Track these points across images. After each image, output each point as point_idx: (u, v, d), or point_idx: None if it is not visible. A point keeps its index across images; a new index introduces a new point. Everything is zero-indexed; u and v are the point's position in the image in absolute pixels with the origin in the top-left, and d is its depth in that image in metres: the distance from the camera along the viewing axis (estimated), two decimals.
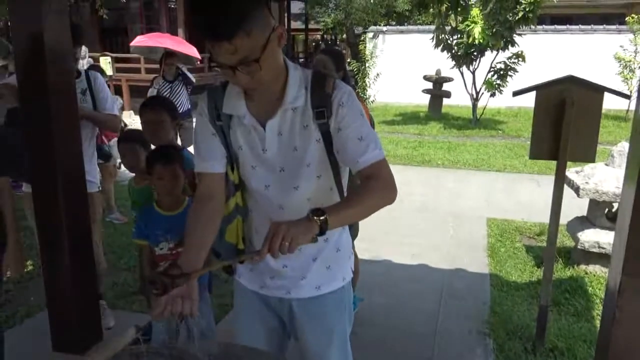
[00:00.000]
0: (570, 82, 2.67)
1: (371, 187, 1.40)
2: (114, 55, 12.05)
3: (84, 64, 7.95)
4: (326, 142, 1.46)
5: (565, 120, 2.62)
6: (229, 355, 1.50)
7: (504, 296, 3.68)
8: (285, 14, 18.60)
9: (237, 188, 1.59)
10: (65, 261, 2.37)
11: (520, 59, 10.14)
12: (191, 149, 1.84)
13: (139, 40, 7.57)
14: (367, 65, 13.26)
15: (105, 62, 10.90)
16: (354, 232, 3.19)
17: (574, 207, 4.48)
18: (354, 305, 3.31)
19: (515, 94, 2.79)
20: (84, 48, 7.79)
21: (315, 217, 1.26)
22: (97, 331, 2.63)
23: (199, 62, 8.35)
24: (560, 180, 2.75)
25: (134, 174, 2.82)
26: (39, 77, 2.19)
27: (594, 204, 3.95)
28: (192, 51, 7.14)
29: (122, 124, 5.16)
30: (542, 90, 2.71)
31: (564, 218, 3.07)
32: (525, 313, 3.43)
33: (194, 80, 6.31)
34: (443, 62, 11.12)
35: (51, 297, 2.54)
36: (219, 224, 1.56)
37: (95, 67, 7.19)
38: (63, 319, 2.49)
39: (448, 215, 5.46)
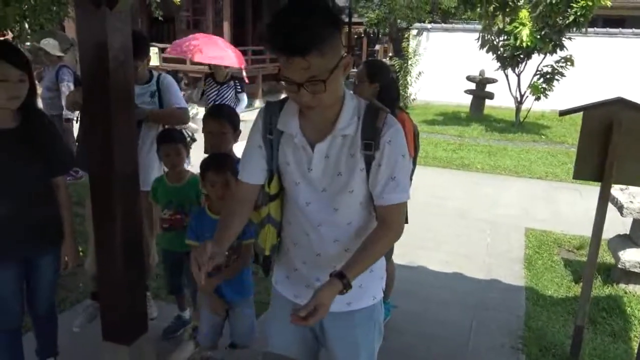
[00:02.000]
0: (620, 104, 2.63)
1: (381, 237, 1.56)
2: (161, 45, 12.34)
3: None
4: (368, 172, 1.55)
5: (612, 143, 2.59)
6: None
7: (539, 311, 3.67)
8: None
9: (271, 199, 1.67)
10: (118, 258, 2.51)
11: (568, 63, 9.89)
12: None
13: (200, 58, 7.36)
14: (409, 62, 13.15)
15: (152, 53, 11.16)
16: (389, 251, 3.22)
17: (617, 223, 4.40)
18: (387, 313, 3.38)
19: (562, 114, 2.77)
20: None
21: (343, 289, 1.44)
22: (144, 323, 2.78)
23: (243, 70, 7.92)
24: (604, 201, 2.73)
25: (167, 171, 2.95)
26: (102, 83, 2.33)
27: (637, 224, 3.88)
28: (238, 61, 7.06)
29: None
30: (590, 111, 2.68)
31: (606, 233, 3.04)
32: (560, 330, 3.42)
33: (245, 80, 6.03)
34: (487, 63, 10.95)
35: (103, 290, 2.69)
36: (244, 222, 1.71)
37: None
38: (113, 311, 2.64)
39: (485, 223, 5.43)
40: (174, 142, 2.83)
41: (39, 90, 5.88)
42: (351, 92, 1.58)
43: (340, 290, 1.43)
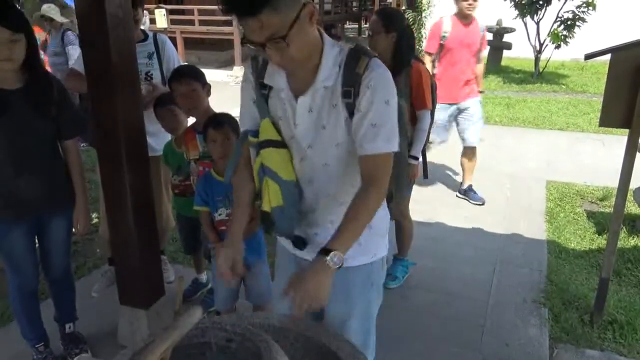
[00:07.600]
0: None
1: (364, 199, 1.43)
2: (169, 7, 12.10)
3: (145, 21, 7.89)
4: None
5: None
6: (284, 329, 1.53)
7: (561, 264, 3.59)
8: None
9: (261, 146, 1.56)
10: (129, 221, 2.48)
11: (590, 8, 9.46)
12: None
13: None
14: (423, 15, 12.73)
15: (160, 15, 10.98)
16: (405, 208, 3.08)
17: None
18: (406, 271, 3.34)
19: (588, 57, 2.60)
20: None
21: (330, 263, 1.32)
22: (160, 287, 2.77)
23: None
24: (633, 149, 2.59)
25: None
26: (102, 46, 2.23)
27: None
28: None
29: None
30: (618, 52, 2.51)
31: (632, 183, 2.90)
32: (583, 283, 3.34)
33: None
34: (505, 12, 10.53)
35: (117, 254, 2.68)
36: (254, 189, 1.64)
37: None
38: (128, 276, 2.63)
39: (505, 177, 5.31)
40: (164, 104, 2.74)
41: (46, 58, 5.82)
42: (332, 40, 1.46)
43: (327, 266, 1.32)
